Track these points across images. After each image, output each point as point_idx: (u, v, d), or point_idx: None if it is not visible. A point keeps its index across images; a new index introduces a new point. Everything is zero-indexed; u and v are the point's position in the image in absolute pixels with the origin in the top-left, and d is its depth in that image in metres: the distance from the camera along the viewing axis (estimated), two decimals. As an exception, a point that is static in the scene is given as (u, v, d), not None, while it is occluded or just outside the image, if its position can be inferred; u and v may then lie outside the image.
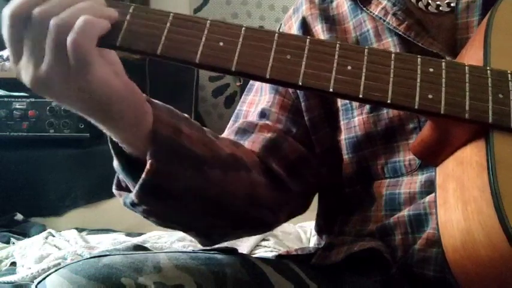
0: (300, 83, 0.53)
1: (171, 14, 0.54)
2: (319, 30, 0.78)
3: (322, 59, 0.53)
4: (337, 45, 0.54)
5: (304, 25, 0.80)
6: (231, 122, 0.83)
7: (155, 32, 0.53)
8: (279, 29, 0.85)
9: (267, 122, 0.77)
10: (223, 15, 2.60)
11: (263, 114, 0.78)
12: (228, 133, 0.79)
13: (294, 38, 0.55)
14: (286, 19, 0.85)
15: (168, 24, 0.53)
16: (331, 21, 0.79)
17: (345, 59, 0.53)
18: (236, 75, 0.55)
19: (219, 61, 0.53)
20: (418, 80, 0.53)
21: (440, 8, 0.73)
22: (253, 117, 0.79)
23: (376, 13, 0.74)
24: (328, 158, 0.77)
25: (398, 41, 0.72)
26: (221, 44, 0.53)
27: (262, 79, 0.54)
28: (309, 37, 0.55)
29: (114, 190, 0.65)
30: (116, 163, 0.62)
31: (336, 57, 0.53)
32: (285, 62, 0.53)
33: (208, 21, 0.54)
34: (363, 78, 0.53)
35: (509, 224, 0.47)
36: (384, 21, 0.73)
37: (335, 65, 0.53)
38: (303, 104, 0.77)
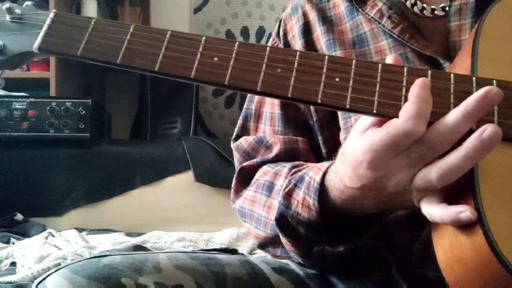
0: (289, 96, 0.55)
1: (169, 32, 0.57)
2: (319, 34, 0.79)
3: (311, 72, 0.55)
4: (326, 57, 0.56)
5: (306, 30, 0.81)
6: (241, 121, 0.87)
7: (153, 50, 0.56)
8: (278, 26, 0.86)
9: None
10: (223, 15, 2.60)
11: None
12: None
13: (284, 52, 0.58)
14: (286, 17, 0.85)
15: (165, 43, 0.56)
16: (328, 22, 0.79)
17: (333, 72, 0.55)
18: (229, 89, 0.57)
19: (212, 77, 0.56)
20: (403, 91, 0.54)
21: (435, 12, 0.74)
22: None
23: (371, 15, 0.75)
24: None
25: (393, 44, 0.73)
26: (215, 59, 0.56)
27: (253, 92, 0.56)
28: (298, 50, 0.57)
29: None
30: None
31: (325, 70, 0.55)
32: (275, 76, 0.55)
33: (204, 38, 0.57)
34: (350, 90, 0.54)
35: (488, 228, 0.48)
36: (379, 23, 0.74)
37: (323, 78, 0.55)
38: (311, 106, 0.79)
